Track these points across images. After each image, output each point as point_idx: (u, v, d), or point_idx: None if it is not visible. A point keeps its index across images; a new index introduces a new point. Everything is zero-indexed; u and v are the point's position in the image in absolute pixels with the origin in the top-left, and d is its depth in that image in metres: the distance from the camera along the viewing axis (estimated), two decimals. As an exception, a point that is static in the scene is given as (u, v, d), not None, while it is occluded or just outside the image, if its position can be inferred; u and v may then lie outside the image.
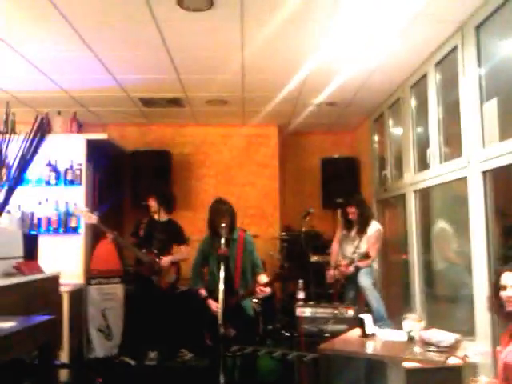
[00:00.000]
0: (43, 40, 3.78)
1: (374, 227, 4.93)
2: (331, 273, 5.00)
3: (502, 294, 2.46)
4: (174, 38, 3.76)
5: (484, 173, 3.32)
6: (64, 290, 4.44)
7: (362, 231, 4.91)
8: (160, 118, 6.36)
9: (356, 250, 4.91)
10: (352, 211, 4.91)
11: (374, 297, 4.67)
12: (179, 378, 4.61)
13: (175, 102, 5.62)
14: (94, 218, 4.81)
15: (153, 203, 5.13)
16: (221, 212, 3.92)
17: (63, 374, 4.30)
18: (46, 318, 2.53)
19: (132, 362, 4.90)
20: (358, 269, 4.77)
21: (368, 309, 4.55)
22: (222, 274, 3.50)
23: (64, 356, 4.44)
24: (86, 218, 4.86)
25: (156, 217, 5.14)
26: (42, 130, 3.23)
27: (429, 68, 4.25)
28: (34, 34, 3.68)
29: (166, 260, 4.97)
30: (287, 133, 7.00)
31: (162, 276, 4.97)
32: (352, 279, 4.86)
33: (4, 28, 3.59)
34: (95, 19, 3.43)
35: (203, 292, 4.02)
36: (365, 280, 4.74)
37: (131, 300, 5.28)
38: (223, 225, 3.76)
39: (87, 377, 4.53)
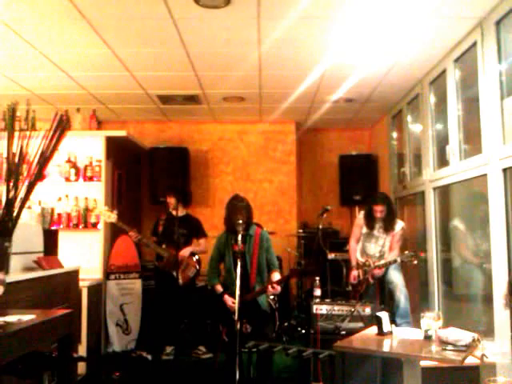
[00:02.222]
0: (64, 39, 3.83)
1: (400, 225, 4.91)
2: (355, 273, 4.92)
3: None
4: (191, 35, 3.78)
5: (504, 170, 3.27)
6: (83, 284, 4.51)
7: (389, 229, 4.87)
8: (178, 114, 6.40)
9: (383, 248, 4.90)
10: (381, 209, 4.83)
11: (404, 294, 4.66)
12: (195, 373, 4.64)
13: (192, 99, 5.64)
14: (113, 217, 4.85)
15: (172, 200, 5.17)
16: (238, 209, 3.93)
17: (81, 367, 4.37)
18: (64, 311, 2.58)
19: (149, 357, 4.96)
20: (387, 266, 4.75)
21: (384, 307, 4.51)
22: (238, 270, 3.51)
23: (82, 349, 4.51)
24: (105, 216, 4.91)
25: (174, 213, 5.18)
26: (62, 127, 3.27)
27: (448, 64, 4.18)
28: (56, 35, 3.74)
29: (185, 250, 5.03)
30: (304, 129, 6.97)
31: (183, 269, 5.01)
32: (378, 278, 4.81)
33: (30, 31, 3.67)
34: (113, 17, 3.47)
35: (219, 288, 4.04)
36: (398, 277, 4.74)
37: (149, 295, 5.34)
38: (240, 221, 3.77)
39: (105, 370, 4.60)
